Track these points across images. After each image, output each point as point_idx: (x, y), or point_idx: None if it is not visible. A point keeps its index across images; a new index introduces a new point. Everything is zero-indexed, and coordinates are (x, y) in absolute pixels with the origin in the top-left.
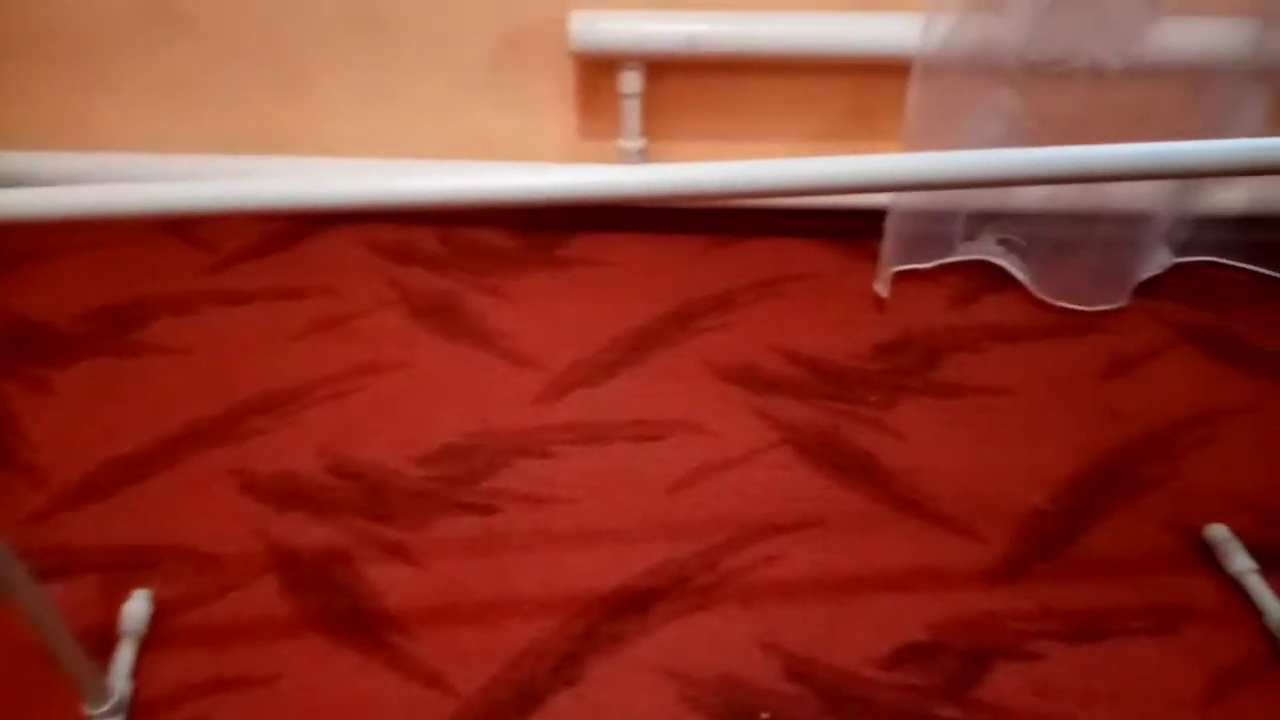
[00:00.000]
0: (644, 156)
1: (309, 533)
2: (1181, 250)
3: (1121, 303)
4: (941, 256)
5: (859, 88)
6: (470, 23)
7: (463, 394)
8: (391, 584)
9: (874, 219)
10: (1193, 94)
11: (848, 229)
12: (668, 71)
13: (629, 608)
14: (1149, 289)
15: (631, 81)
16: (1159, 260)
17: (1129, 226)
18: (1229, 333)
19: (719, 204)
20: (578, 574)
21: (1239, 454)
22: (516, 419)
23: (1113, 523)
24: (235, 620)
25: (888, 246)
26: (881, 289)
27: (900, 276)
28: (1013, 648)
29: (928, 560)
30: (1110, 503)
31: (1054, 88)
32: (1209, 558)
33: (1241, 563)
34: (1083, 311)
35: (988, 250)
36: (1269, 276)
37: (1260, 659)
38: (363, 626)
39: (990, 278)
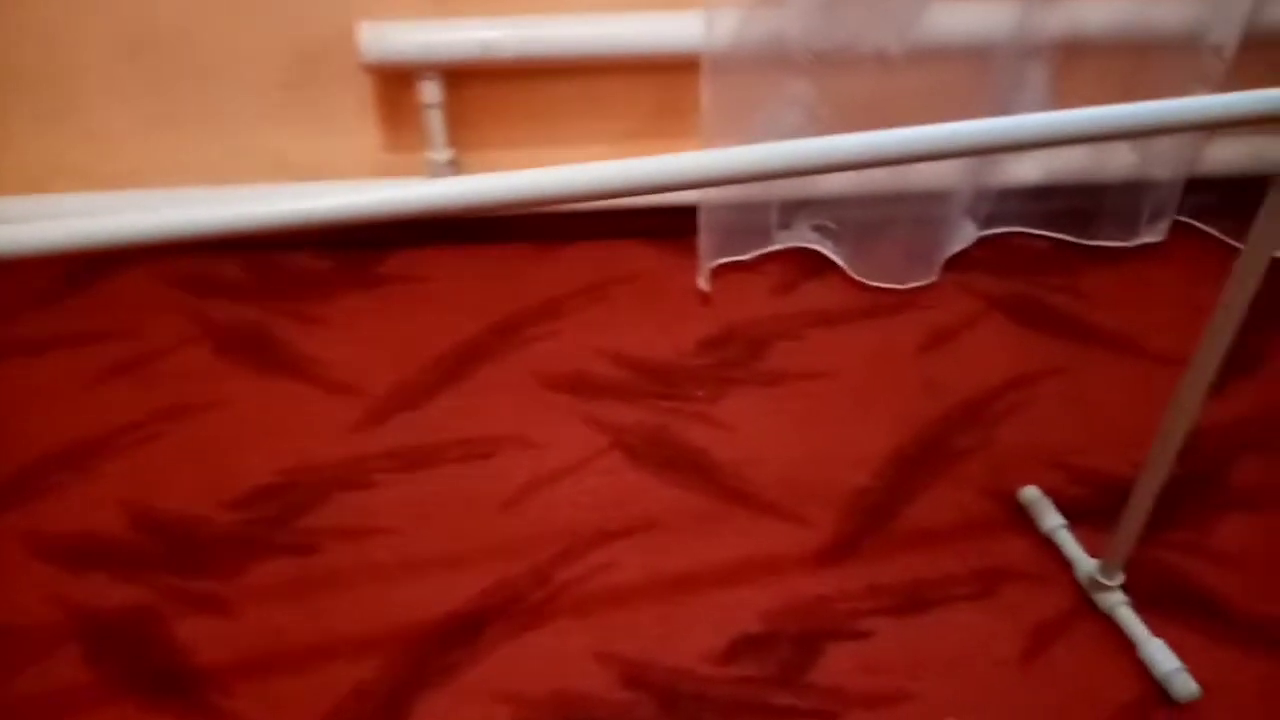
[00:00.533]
0: (454, 168)
1: (112, 594)
2: (986, 223)
3: (933, 278)
4: (760, 247)
5: (664, 86)
6: (255, 39)
7: (276, 430)
8: (204, 639)
9: (695, 216)
10: (974, 74)
11: (671, 227)
12: (469, 80)
13: (460, 635)
14: (958, 263)
15: (431, 91)
16: (965, 234)
17: (933, 204)
18: (1035, 299)
19: (536, 210)
20: (405, 606)
21: (1048, 415)
22: (334, 451)
23: (933, 494)
24: (35, 696)
25: (704, 242)
26: (703, 284)
27: (723, 270)
28: (843, 628)
29: (759, 550)
30: (930, 474)
31: (844, 75)
32: (1023, 519)
33: (1052, 520)
34: (897, 290)
35: (804, 237)
36: (1069, 242)
37: (1072, 611)
38: (175, 687)
39: (811, 264)
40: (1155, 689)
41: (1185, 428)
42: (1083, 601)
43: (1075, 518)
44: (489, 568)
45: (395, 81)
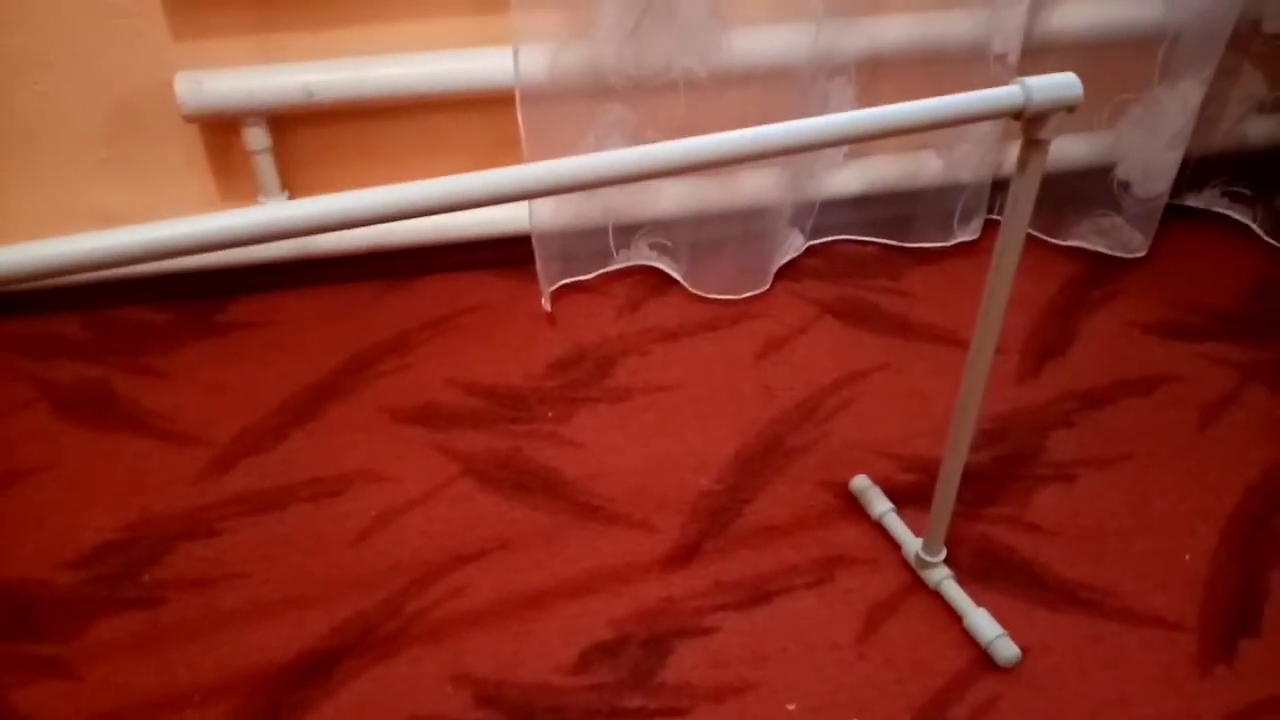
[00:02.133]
0: None
1: None
2: (813, 233)
3: (766, 287)
4: (601, 267)
5: (495, 119)
6: (70, 95)
7: (117, 486)
8: (45, 704)
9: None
10: (782, 93)
11: (515, 256)
12: (296, 123)
13: (312, 673)
14: (789, 271)
15: (257, 138)
16: (794, 244)
17: (760, 218)
18: (862, 301)
19: (375, 245)
20: (256, 649)
21: (875, 409)
22: (178, 501)
23: (772, 491)
24: None
25: (542, 266)
26: (546, 305)
27: (567, 291)
28: (690, 627)
29: (609, 560)
30: (769, 473)
31: (660, 99)
32: (855, 507)
33: (881, 506)
34: (734, 301)
35: (643, 255)
36: (892, 245)
37: (903, 590)
38: None
39: (654, 282)
40: (982, 656)
41: (975, 406)
42: (913, 580)
43: (904, 502)
44: (341, 603)
45: (220, 129)
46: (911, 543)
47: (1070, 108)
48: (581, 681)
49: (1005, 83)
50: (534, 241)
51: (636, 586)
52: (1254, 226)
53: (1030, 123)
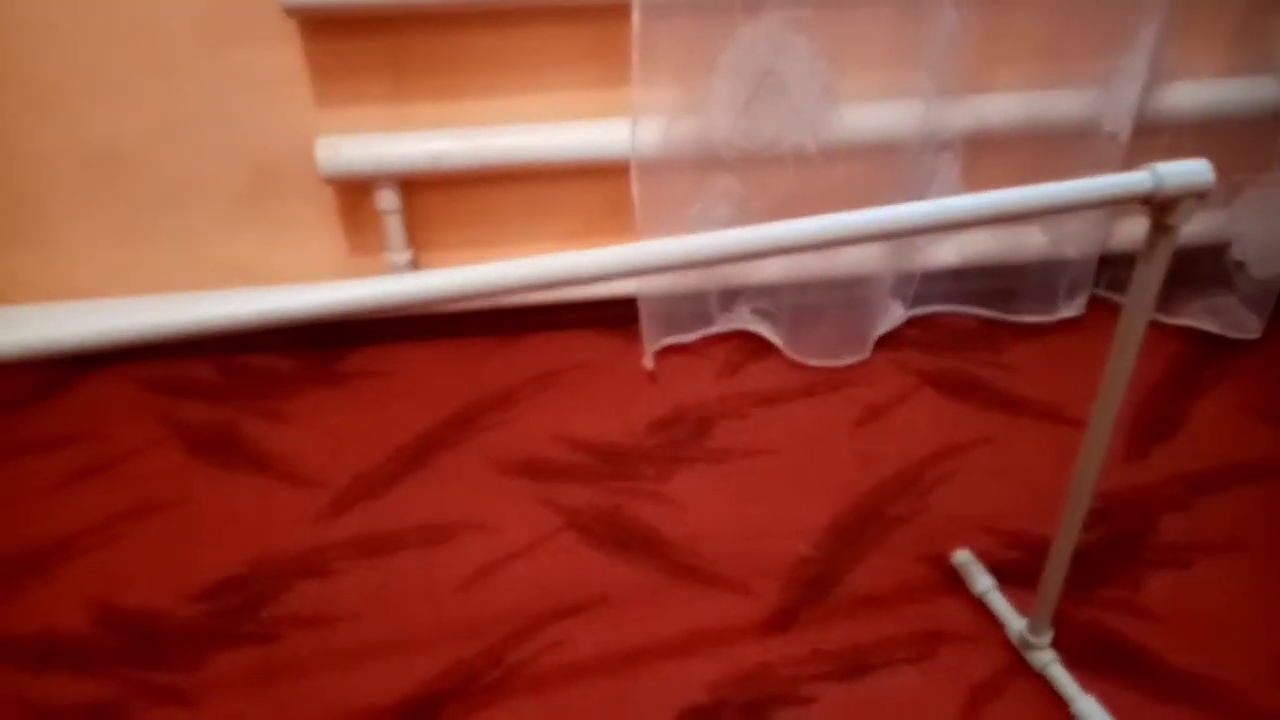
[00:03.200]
0: (414, 267)
1: (72, 691)
2: (913, 303)
3: (865, 356)
4: (703, 329)
5: (610, 187)
6: (217, 156)
7: (240, 523)
8: None
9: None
10: (888, 168)
11: (620, 316)
12: (423, 186)
13: (415, 717)
14: (889, 341)
15: (388, 199)
16: (894, 315)
17: (860, 287)
18: (962, 373)
19: (489, 304)
20: (363, 691)
21: (977, 483)
22: (296, 541)
23: (870, 561)
24: None
25: (646, 328)
26: (648, 364)
27: (670, 352)
28: (788, 694)
29: (707, 622)
30: (867, 543)
31: (768, 171)
32: (956, 582)
33: (983, 583)
34: (833, 368)
35: (744, 320)
36: (993, 319)
37: (1007, 670)
38: None
39: (753, 346)
40: None
41: (1089, 488)
42: (1016, 661)
43: (1006, 579)
44: (445, 650)
45: (354, 190)
46: (1016, 622)
47: (1201, 194)
48: None
49: (1116, 161)
50: (639, 303)
51: (734, 650)
52: None
53: (1159, 209)
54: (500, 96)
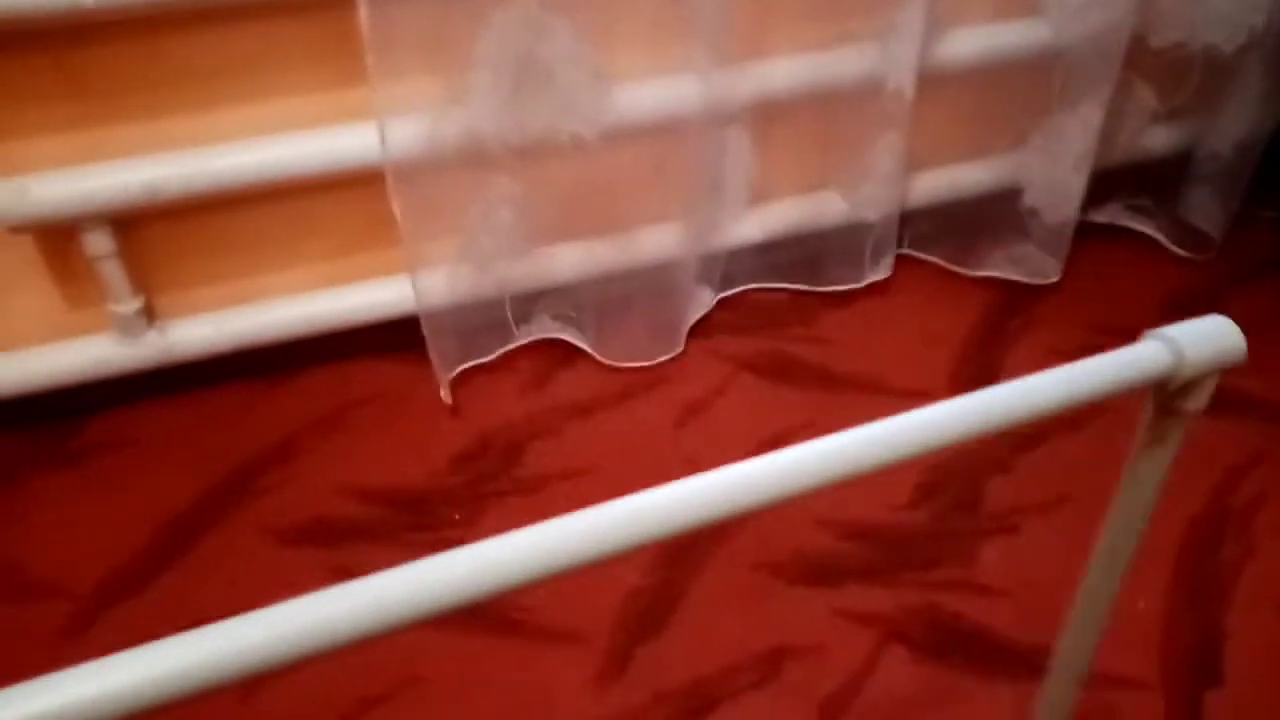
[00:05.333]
0: (144, 315)
1: None
2: (721, 285)
3: (679, 349)
4: (502, 345)
5: (369, 197)
6: None
7: None
8: None
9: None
10: (676, 146)
11: (410, 338)
12: (142, 222)
13: None
14: (701, 329)
15: (99, 242)
16: (703, 300)
17: (664, 276)
18: (777, 353)
19: (248, 342)
20: None
21: None
22: (33, 666)
23: (706, 577)
24: None
25: (436, 351)
26: (445, 395)
27: (469, 375)
28: None
29: (536, 682)
30: (700, 558)
31: (547, 166)
32: (795, 584)
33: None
34: (646, 367)
35: (545, 328)
36: (803, 290)
37: (857, 676)
38: None
39: (560, 354)
40: None
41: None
42: (868, 666)
43: (847, 575)
44: None
45: (56, 237)
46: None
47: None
48: None
49: (902, 118)
50: (423, 324)
51: (570, 709)
52: (1159, 238)
53: (1175, 392)
54: (218, 109)
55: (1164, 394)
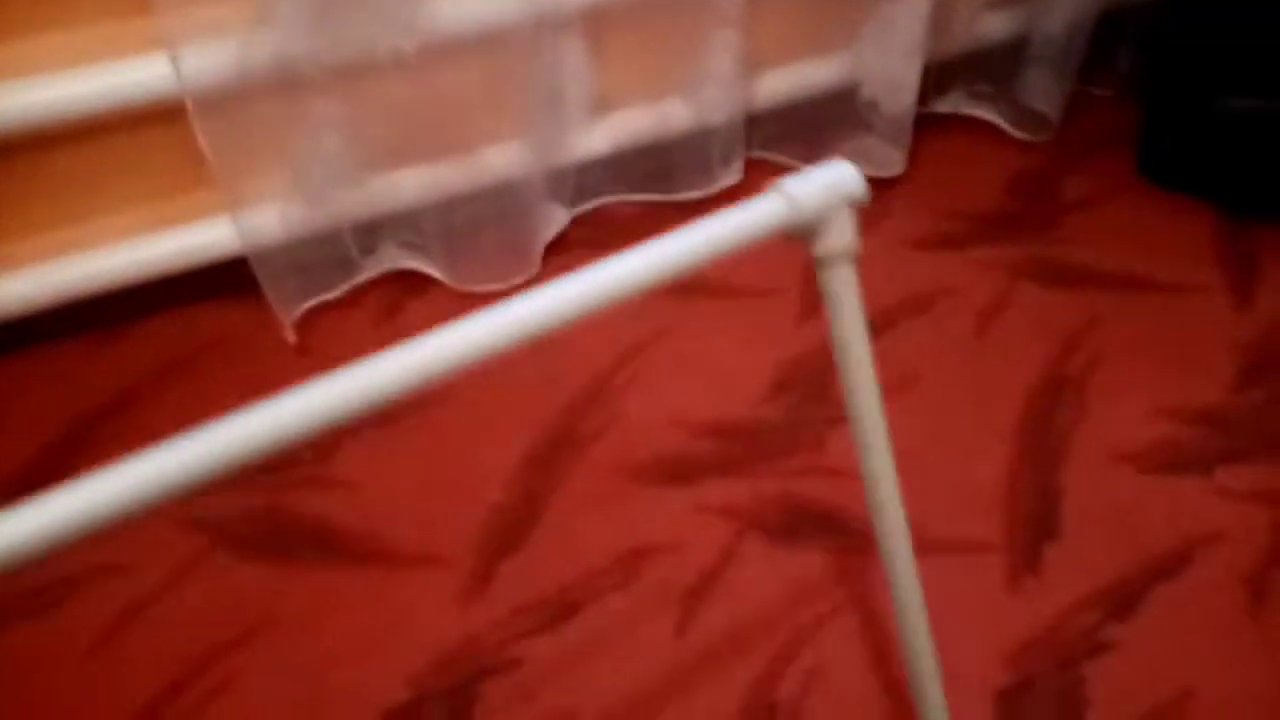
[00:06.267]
0: None
1: None
2: (574, 202)
3: (535, 270)
4: (347, 279)
5: (186, 133)
6: None
7: None
8: None
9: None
10: (504, 62)
11: (254, 279)
12: None
13: None
14: (558, 248)
15: None
16: (556, 219)
17: (513, 195)
18: None
19: (73, 294)
20: None
21: (664, 378)
22: None
23: (568, 489)
24: None
25: (274, 292)
26: (290, 335)
27: (316, 313)
28: (494, 663)
29: (398, 609)
30: (563, 470)
31: (368, 86)
32: (654, 486)
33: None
34: (501, 291)
35: (392, 258)
36: (656, 201)
37: (717, 567)
38: None
39: (411, 284)
40: (802, 624)
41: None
42: (722, 560)
43: (706, 471)
44: None
45: None
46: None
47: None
48: None
49: (736, 16)
50: (254, 265)
51: (433, 631)
52: (1000, 123)
53: (813, 235)
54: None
55: (807, 243)
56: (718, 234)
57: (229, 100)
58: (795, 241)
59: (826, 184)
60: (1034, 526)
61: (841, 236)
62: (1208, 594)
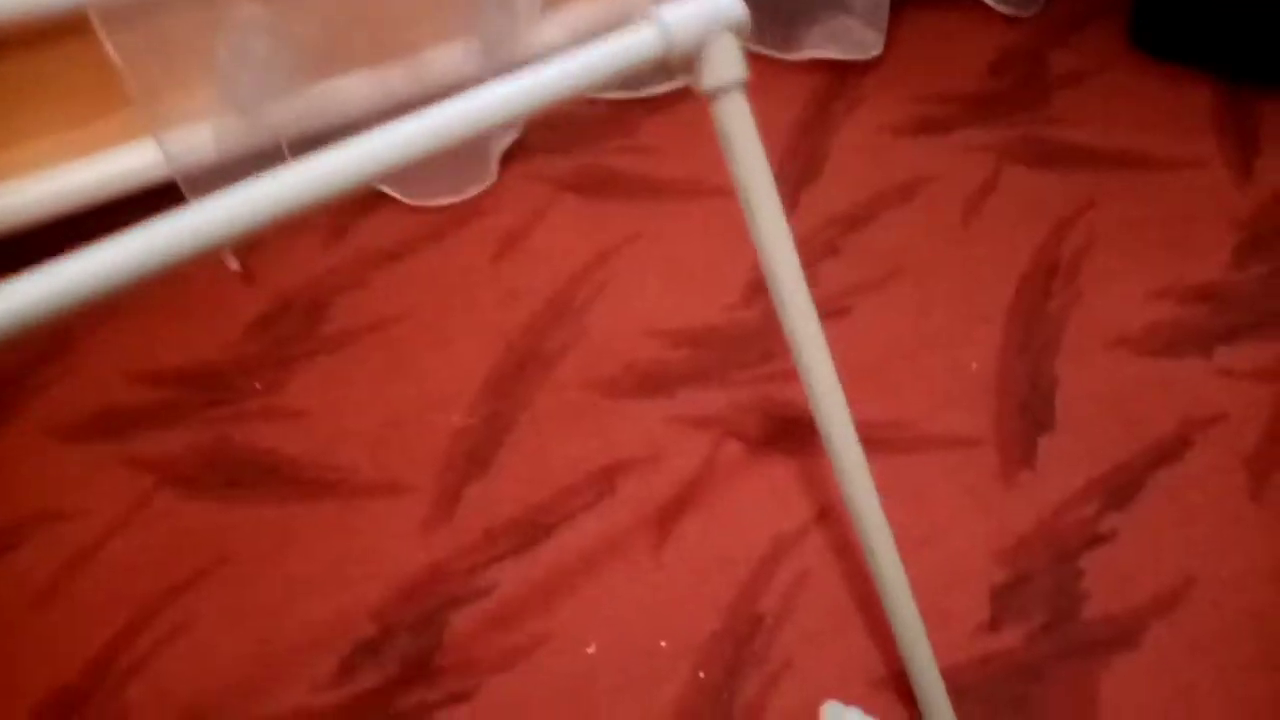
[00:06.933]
0: None
1: None
2: None
3: (491, 179)
4: None
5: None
6: None
7: None
8: None
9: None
10: None
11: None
12: None
13: None
14: (517, 154)
15: None
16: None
17: None
18: (599, 168)
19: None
20: None
21: (632, 287)
22: None
23: (536, 408)
24: None
25: None
26: (232, 261)
27: (264, 237)
28: (464, 591)
29: (360, 541)
30: (528, 389)
31: None
32: (626, 400)
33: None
34: (459, 202)
35: None
36: (620, 99)
37: (693, 478)
38: None
39: (361, 200)
40: (784, 531)
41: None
42: (699, 478)
43: (682, 381)
44: (34, 682)
45: None
46: None
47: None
48: (346, 693)
49: None
50: (183, 188)
51: (396, 562)
52: None
53: (689, 66)
54: None
55: (686, 75)
56: (581, 67)
57: (140, 5)
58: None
59: (701, 9)
60: (1028, 417)
61: (727, 67)
62: (1209, 477)
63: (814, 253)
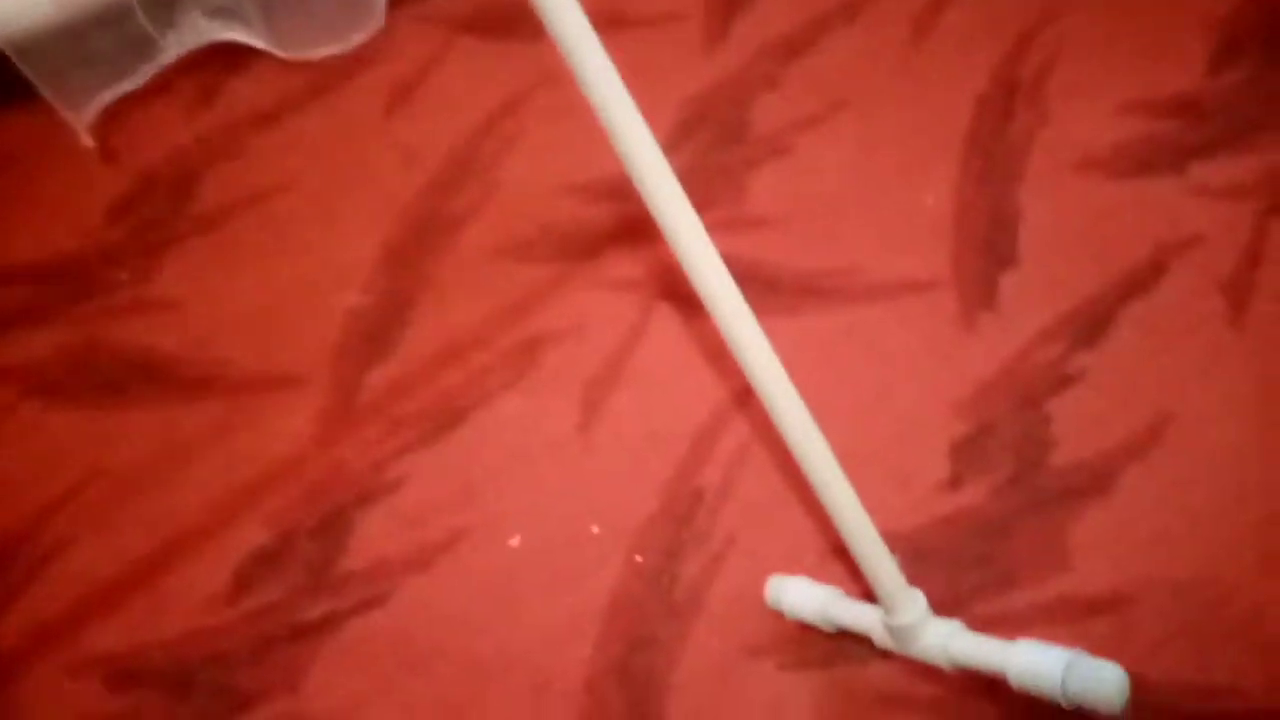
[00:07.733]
0: None
1: None
2: None
3: (379, 24)
4: (149, 63)
5: None
6: None
7: None
8: None
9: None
10: None
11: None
12: None
13: None
14: None
15: None
16: None
17: None
18: (502, 5)
19: None
20: None
21: (545, 136)
22: None
23: (442, 278)
24: None
25: (53, 90)
26: (86, 139)
27: (118, 109)
28: (372, 487)
29: (249, 440)
30: (431, 256)
31: None
32: (542, 264)
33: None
34: (343, 54)
35: (203, 31)
36: None
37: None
38: None
39: (231, 58)
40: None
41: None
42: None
43: (608, 240)
44: None
45: None
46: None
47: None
48: (244, 608)
49: None
50: (17, 60)
51: (291, 462)
52: None
53: None
54: None
55: None
56: None
57: None
58: None
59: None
60: (988, 254)
61: None
62: (1184, 306)
63: (749, 87)
